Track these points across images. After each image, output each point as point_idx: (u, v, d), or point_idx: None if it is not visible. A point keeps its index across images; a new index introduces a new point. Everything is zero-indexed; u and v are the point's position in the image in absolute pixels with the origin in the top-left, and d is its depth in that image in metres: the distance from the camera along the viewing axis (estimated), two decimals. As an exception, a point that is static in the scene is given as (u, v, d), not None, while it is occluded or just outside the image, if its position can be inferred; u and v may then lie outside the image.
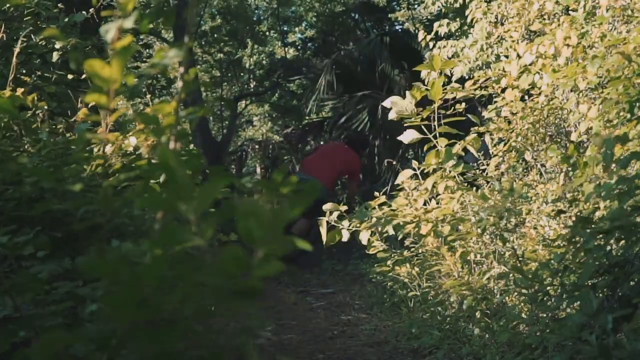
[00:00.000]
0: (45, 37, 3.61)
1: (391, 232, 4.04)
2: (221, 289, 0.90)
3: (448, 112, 3.94)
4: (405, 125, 3.96)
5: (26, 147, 2.49)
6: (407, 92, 3.96)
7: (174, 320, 0.92)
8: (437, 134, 3.90)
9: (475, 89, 4.57)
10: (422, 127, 3.91)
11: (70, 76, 3.91)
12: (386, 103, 4.02)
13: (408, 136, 3.98)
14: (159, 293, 0.90)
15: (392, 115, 3.99)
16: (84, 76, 3.38)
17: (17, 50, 2.45)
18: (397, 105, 3.95)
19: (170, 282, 0.91)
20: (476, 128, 4.43)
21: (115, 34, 1.04)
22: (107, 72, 1.02)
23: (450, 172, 3.85)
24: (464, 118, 3.95)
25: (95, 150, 2.41)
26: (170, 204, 0.91)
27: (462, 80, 5.26)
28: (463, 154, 4.02)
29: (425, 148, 3.98)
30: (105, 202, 1.15)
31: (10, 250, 1.74)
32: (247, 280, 0.89)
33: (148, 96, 3.96)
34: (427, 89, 3.84)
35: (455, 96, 4.10)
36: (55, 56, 3.56)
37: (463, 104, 4.04)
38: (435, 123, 3.90)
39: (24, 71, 3.57)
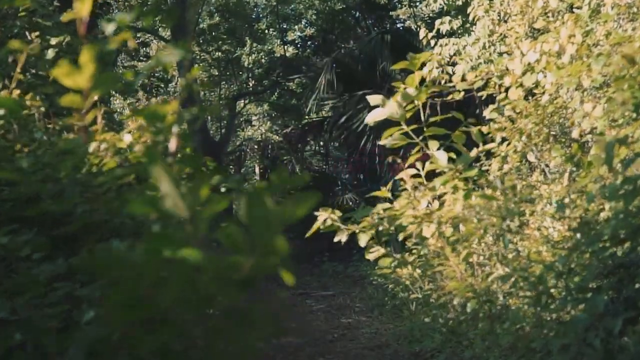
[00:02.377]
0: (41, 35, 3.56)
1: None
2: (217, 272, 0.86)
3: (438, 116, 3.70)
4: (387, 134, 3.65)
5: (21, 147, 2.44)
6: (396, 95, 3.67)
7: (169, 318, 0.88)
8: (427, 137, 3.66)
9: (476, 82, 4.47)
10: (410, 131, 3.66)
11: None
12: (372, 99, 3.67)
13: (390, 141, 3.69)
14: (155, 290, 0.86)
15: (373, 118, 3.67)
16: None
17: (24, 55, 2.39)
18: (387, 107, 3.63)
19: (165, 279, 0.87)
20: (479, 128, 4.31)
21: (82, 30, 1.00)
22: (75, 79, 0.98)
23: (461, 174, 3.68)
24: (450, 115, 3.67)
25: (91, 149, 2.36)
26: (157, 206, 0.87)
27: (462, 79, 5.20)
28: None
29: (414, 151, 3.73)
30: (96, 202, 1.11)
31: (10, 251, 1.71)
32: (242, 265, 0.85)
33: (143, 95, 3.91)
34: (416, 89, 3.55)
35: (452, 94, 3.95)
36: (50, 53, 3.50)
37: (462, 93, 3.91)
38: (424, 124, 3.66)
39: (18, 70, 3.51)
